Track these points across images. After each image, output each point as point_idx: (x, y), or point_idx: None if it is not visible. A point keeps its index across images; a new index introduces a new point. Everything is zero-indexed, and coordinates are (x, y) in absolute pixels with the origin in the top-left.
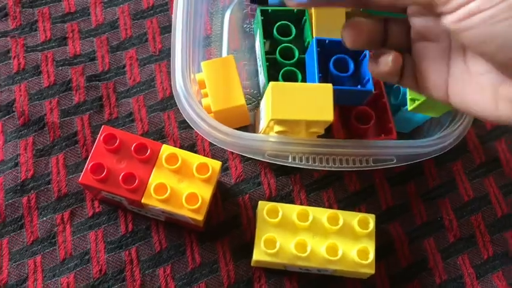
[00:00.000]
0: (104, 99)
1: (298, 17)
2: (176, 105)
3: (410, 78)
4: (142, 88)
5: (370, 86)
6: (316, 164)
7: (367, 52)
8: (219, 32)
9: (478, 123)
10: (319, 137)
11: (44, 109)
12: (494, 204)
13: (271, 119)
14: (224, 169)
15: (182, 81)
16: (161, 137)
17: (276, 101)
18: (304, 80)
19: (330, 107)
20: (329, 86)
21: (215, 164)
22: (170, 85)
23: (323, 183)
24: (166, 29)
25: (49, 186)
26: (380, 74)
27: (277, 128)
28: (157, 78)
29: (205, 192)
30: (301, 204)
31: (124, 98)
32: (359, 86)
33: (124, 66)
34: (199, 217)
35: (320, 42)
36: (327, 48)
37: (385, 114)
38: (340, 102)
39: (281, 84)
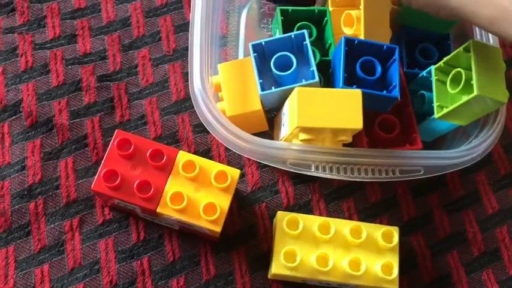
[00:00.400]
0: (115, 101)
1: (320, 18)
2: (191, 108)
3: None
4: (155, 89)
5: (396, 92)
6: (341, 174)
7: (396, 57)
8: (235, 31)
9: (504, 132)
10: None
11: (52, 110)
12: None
13: (297, 127)
14: (241, 176)
15: (201, 83)
16: (175, 141)
17: (302, 107)
18: (326, 84)
19: (359, 114)
20: (358, 92)
21: (234, 173)
22: (185, 86)
23: (343, 193)
24: (181, 27)
25: (57, 191)
26: None
27: (302, 136)
28: (171, 79)
29: (224, 202)
30: (320, 214)
31: (136, 99)
32: (385, 92)
33: (136, 66)
34: (218, 228)
35: (349, 42)
36: (355, 48)
37: (410, 123)
38: (364, 107)
39: (308, 89)
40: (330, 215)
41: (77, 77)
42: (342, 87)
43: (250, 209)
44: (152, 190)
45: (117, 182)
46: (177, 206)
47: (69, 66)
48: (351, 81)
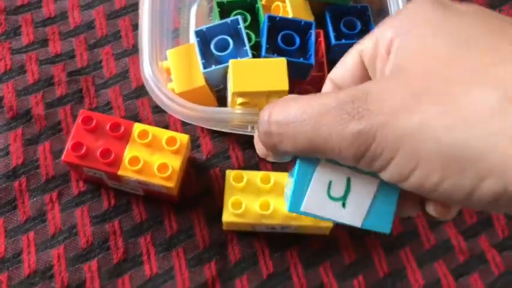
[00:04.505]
0: (83, 91)
1: (252, 6)
2: (149, 93)
3: None
4: (118, 79)
5: (311, 60)
6: None
7: (312, 31)
8: (186, 24)
9: None
10: None
11: (30, 103)
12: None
13: (234, 92)
14: (196, 146)
15: (150, 66)
16: (137, 121)
17: (236, 75)
18: None
19: (285, 78)
20: (283, 60)
21: (183, 137)
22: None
23: None
24: (137, 26)
25: (38, 170)
26: None
27: (239, 100)
28: (131, 70)
29: (175, 162)
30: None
31: (102, 89)
32: (301, 59)
33: (101, 62)
34: (171, 184)
35: (271, 18)
36: (277, 24)
37: None
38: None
39: (240, 60)
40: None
41: (50, 74)
42: (264, 56)
43: (206, 174)
44: (113, 156)
45: (83, 152)
46: (134, 167)
47: (43, 66)
48: (274, 51)
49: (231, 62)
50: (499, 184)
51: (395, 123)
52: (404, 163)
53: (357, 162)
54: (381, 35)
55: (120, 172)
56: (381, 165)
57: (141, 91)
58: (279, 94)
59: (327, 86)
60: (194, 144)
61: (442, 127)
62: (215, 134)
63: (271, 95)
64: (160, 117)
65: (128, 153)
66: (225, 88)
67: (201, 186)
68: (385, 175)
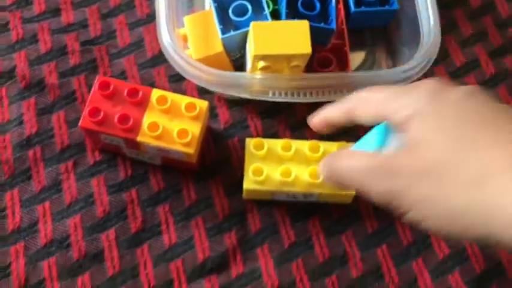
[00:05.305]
0: (98, 61)
1: None
2: (166, 62)
3: None
4: (132, 49)
5: (333, 25)
6: (294, 96)
7: None
8: None
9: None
10: None
11: (43, 72)
12: None
13: (255, 55)
14: (214, 116)
15: (168, 32)
16: None
17: (257, 38)
18: None
19: (308, 41)
20: (305, 22)
21: (202, 103)
22: (158, 44)
23: (306, 122)
24: None
25: (52, 140)
26: None
27: (261, 64)
28: (146, 39)
29: (195, 128)
30: None
31: (116, 58)
32: (322, 23)
33: (115, 31)
34: (191, 150)
35: None
36: None
37: (345, 62)
38: None
39: (262, 23)
40: None
41: (63, 44)
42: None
43: (224, 143)
44: (131, 121)
45: (100, 117)
46: (154, 133)
47: (55, 35)
48: (294, 17)
49: (252, 24)
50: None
51: (410, 190)
52: (415, 216)
53: (388, 204)
54: (394, 111)
55: (139, 138)
56: (403, 212)
57: (157, 60)
58: (301, 58)
59: (319, 120)
60: (211, 113)
61: (442, 196)
62: (232, 104)
63: (293, 59)
64: (176, 86)
65: (147, 119)
66: (241, 57)
67: (219, 156)
68: (406, 219)
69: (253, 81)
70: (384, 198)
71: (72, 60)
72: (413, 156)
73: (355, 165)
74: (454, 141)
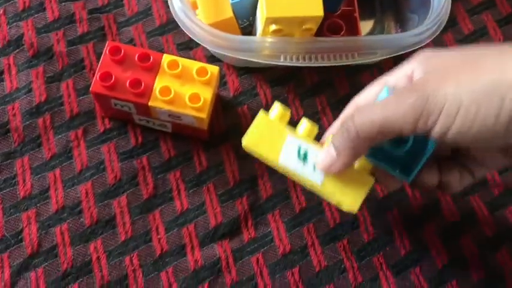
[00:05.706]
0: (106, 29)
1: None
2: (174, 30)
3: None
4: (140, 17)
5: None
6: (306, 61)
7: None
8: None
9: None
10: None
11: (51, 40)
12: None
13: (267, 18)
14: (223, 84)
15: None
16: None
17: (270, 0)
18: None
19: (320, 3)
20: None
21: (213, 69)
22: (166, 12)
23: (315, 90)
24: None
25: (62, 107)
26: None
27: (272, 27)
28: (154, 7)
29: (206, 93)
30: (296, 109)
31: (124, 26)
32: None
33: (122, 0)
34: (203, 115)
35: None
36: None
37: (355, 28)
38: None
39: None
40: (304, 109)
41: (70, 12)
42: None
43: (234, 111)
44: (143, 86)
45: (111, 82)
46: (165, 97)
47: (63, 3)
48: None
49: None
50: None
51: (439, 90)
52: (450, 111)
53: (416, 123)
54: (404, 70)
55: (150, 103)
56: (433, 120)
57: (165, 28)
58: (313, 20)
59: (350, 109)
60: (220, 82)
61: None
62: (241, 71)
63: (305, 22)
64: (185, 54)
65: (158, 83)
66: (250, 25)
67: (229, 123)
68: (437, 127)
69: (264, 44)
70: (411, 117)
71: (80, 29)
72: (428, 68)
73: (373, 108)
74: (461, 53)
